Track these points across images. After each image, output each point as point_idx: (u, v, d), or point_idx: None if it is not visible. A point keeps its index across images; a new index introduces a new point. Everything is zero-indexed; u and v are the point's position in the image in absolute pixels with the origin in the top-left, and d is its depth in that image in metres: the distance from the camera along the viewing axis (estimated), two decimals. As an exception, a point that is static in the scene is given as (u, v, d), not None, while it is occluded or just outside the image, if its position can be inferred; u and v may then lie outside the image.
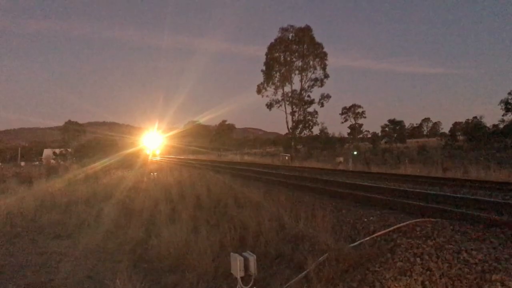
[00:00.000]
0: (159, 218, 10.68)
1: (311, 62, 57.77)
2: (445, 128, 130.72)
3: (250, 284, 5.33)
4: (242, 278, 5.34)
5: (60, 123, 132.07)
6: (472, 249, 5.10)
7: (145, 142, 55.28)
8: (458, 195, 9.05)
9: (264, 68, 58.78)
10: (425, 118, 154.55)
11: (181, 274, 7.15)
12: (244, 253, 5.54)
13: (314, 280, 5.24)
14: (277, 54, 58.39)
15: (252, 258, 5.41)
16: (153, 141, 55.91)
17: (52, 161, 58.91)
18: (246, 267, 5.36)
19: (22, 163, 67.84)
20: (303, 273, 5.56)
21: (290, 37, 58.19)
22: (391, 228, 6.38)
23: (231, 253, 5.57)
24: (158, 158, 54.32)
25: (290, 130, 59.14)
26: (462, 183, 11.90)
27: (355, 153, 51.82)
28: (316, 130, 64.02)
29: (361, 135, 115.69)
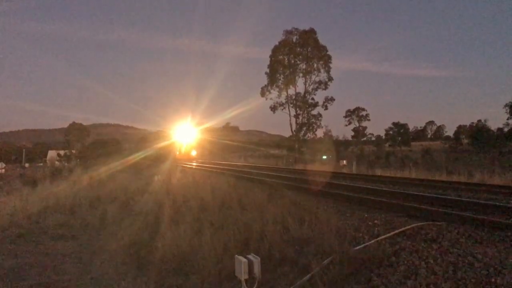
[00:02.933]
0: (163, 220, 10.69)
1: (315, 65, 57.78)
2: (450, 131, 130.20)
3: (254, 287, 5.34)
4: (246, 280, 5.34)
5: (65, 124, 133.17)
6: (477, 253, 5.10)
7: (174, 140, 42.36)
8: (463, 199, 9.04)
9: (268, 70, 58.88)
10: (429, 121, 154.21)
11: (185, 276, 7.16)
12: (248, 256, 5.54)
13: (319, 283, 5.23)
14: (281, 57, 58.43)
15: (256, 261, 5.41)
16: (185, 139, 40.74)
17: (57, 162, 59.13)
18: (250, 269, 5.36)
19: (27, 165, 68.30)
20: (307, 276, 5.55)
21: (294, 40, 58.29)
22: (396, 231, 6.38)
23: (236, 256, 5.57)
24: (193, 164, 37.23)
25: (294, 133, 59.11)
26: (467, 187, 11.87)
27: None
28: (320, 133, 64.08)
29: (365, 138, 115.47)
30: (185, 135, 42.46)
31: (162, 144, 47.32)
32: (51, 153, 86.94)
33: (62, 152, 71.99)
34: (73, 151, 69.13)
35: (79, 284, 7.73)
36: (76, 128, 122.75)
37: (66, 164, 51.58)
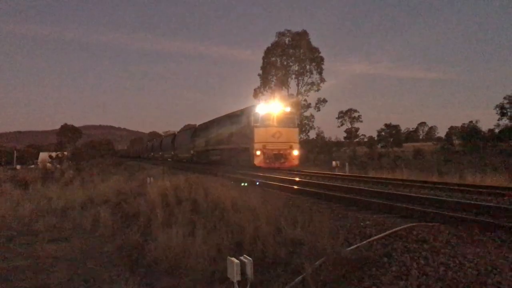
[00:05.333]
0: (155, 222, 10.65)
1: (307, 67, 57.96)
2: (441, 132, 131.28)
3: (247, 288, 5.34)
4: (238, 282, 5.34)
5: (57, 126, 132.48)
6: (468, 253, 5.14)
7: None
8: (454, 199, 9.10)
9: (261, 72, 58.97)
10: (421, 123, 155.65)
11: (178, 278, 7.14)
12: (240, 257, 5.55)
13: (311, 284, 5.25)
14: (273, 58, 58.55)
15: (248, 262, 5.42)
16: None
17: (48, 164, 58.67)
18: (242, 271, 5.37)
19: (18, 167, 67.61)
20: (300, 277, 5.56)
21: (286, 42, 58.44)
22: (388, 232, 6.41)
23: (228, 257, 5.57)
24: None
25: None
26: (458, 188, 11.96)
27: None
28: (312, 134, 64.24)
29: (357, 139, 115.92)
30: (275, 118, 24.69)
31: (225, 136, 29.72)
32: (43, 155, 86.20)
33: (54, 154, 71.46)
34: (65, 153, 68.70)
35: (71, 286, 7.67)
36: (68, 130, 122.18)
37: (58, 166, 51.17)
